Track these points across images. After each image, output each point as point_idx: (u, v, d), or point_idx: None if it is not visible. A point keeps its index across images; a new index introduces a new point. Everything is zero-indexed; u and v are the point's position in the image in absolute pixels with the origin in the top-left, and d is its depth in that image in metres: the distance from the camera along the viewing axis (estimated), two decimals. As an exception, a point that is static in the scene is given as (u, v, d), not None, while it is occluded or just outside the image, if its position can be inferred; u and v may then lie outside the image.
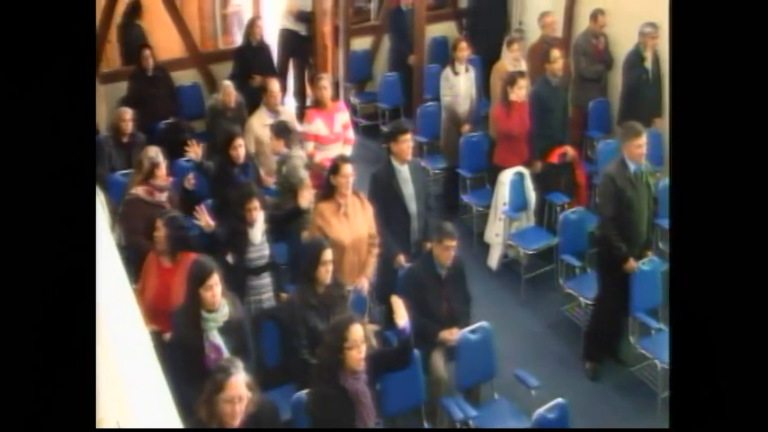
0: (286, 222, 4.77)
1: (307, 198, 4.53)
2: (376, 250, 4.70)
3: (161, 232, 4.19)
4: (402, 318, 3.57)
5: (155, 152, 4.92)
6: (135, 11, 7.53)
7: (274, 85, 6.01)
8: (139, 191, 4.82)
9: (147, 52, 6.76)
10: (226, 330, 3.65)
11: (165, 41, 7.35)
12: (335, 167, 4.59)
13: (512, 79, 5.88)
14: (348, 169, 4.56)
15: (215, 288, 3.60)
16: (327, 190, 4.62)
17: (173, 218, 4.25)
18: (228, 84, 6.38)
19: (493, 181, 6.05)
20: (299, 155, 5.39)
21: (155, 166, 4.83)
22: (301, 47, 7.67)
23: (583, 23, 6.96)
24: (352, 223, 4.61)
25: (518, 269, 5.82)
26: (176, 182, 5.11)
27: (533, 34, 7.27)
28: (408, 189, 4.83)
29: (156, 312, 3.96)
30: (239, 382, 3.02)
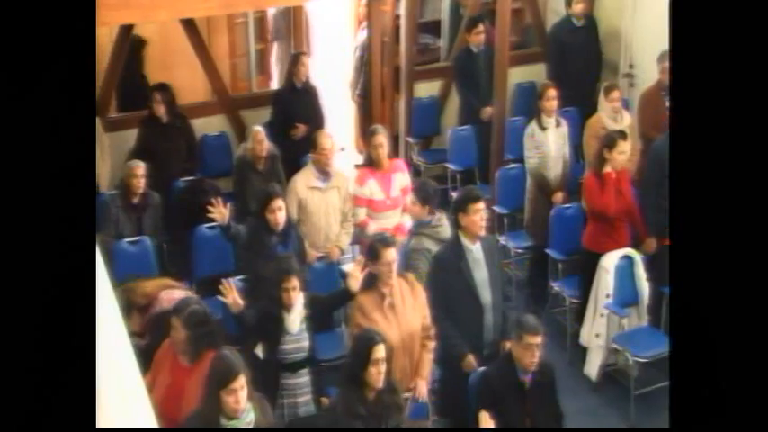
0: (331, 308, 4.83)
1: (358, 279, 4.58)
2: (432, 344, 4.71)
3: (179, 333, 4.16)
4: None
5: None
6: None
7: (326, 140, 5.95)
8: None
9: (159, 96, 6.73)
10: None
11: (187, 82, 7.60)
12: (374, 252, 4.60)
13: (610, 141, 5.80)
14: (391, 254, 4.58)
15: (239, 392, 3.64)
16: (368, 278, 4.63)
17: (192, 314, 4.18)
18: (259, 130, 6.42)
19: (584, 269, 6.01)
20: (436, 234, 5.22)
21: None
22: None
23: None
24: (402, 317, 4.63)
25: (626, 381, 5.72)
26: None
27: (646, 80, 7.31)
28: (481, 273, 4.82)
29: (162, 418, 3.98)
30: None
